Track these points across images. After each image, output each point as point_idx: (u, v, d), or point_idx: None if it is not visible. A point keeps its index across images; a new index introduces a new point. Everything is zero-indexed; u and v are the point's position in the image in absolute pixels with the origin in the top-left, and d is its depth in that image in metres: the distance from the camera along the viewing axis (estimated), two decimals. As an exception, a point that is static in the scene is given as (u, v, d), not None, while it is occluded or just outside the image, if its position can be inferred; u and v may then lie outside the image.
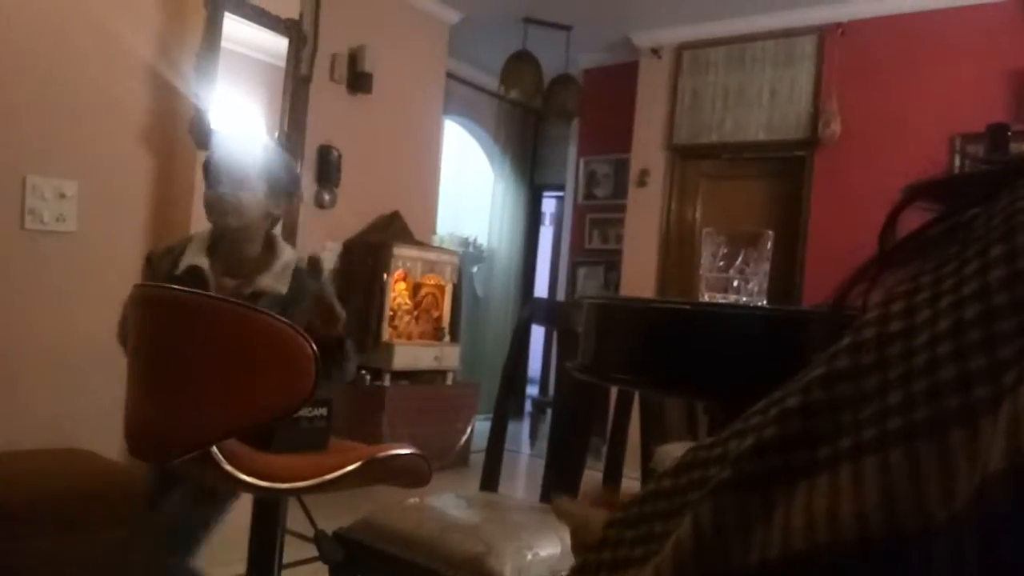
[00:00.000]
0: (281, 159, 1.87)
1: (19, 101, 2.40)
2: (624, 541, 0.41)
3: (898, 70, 4.24)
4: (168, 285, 1.42)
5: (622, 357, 1.42)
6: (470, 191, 7.21)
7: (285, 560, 1.70)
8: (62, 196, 2.50)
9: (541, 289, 7.13)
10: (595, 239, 5.66)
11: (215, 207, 1.75)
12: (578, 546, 0.66)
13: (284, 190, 1.83)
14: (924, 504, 0.25)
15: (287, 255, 1.81)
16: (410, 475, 1.60)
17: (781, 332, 1.19)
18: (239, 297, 1.71)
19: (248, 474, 1.30)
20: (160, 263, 1.83)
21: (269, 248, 1.83)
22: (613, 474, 2.43)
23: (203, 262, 1.76)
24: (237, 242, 1.80)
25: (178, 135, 2.71)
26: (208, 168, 1.80)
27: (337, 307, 1.77)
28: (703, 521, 0.32)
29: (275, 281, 1.74)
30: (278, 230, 1.95)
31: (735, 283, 1.22)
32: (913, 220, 0.39)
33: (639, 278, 5.00)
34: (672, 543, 0.33)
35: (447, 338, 4.77)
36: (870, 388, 0.29)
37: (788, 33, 4.51)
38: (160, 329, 1.38)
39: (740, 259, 1.22)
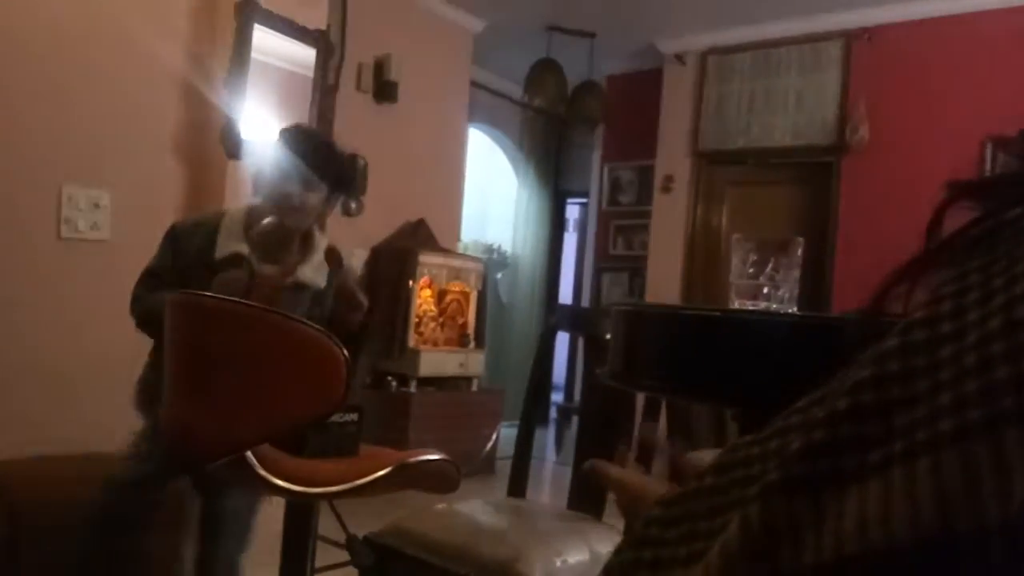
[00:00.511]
0: (348, 161, 1.87)
1: (54, 114, 2.46)
2: (668, 541, 0.41)
3: (927, 74, 4.19)
4: (203, 293, 1.44)
5: (651, 364, 1.42)
6: (494, 198, 7.23)
7: (317, 564, 1.72)
8: (96, 206, 2.56)
9: (565, 296, 7.12)
10: (619, 245, 5.66)
11: (282, 204, 1.72)
12: (628, 508, 0.67)
13: (344, 191, 1.87)
14: (979, 505, 0.25)
15: (323, 246, 1.82)
16: (439, 480, 1.61)
17: (812, 339, 1.19)
18: (281, 287, 1.72)
19: (282, 478, 1.32)
20: (190, 239, 1.78)
21: (306, 237, 1.82)
22: (641, 480, 2.42)
23: (243, 248, 1.73)
24: (287, 236, 1.78)
25: (209, 145, 2.76)
26: (280, 164, 1.75)
27: (359, 295, 1.73)
28: (752, 523, 0.31)
29: (315, 273, 1.76)
30: None
31: (765, 290, 1.22)
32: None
33: (664, 284, 4.99)
34: (720, 544, 0.33)
35: (472, 344, 4.78)
36: (921, 390, 0.29)
37: (814, 38, 4.48)
38: (197, 336, 1.40)
39: (770, 266, 1.22)
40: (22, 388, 2.40)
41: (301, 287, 1.75)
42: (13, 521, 1.97)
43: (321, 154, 1.77)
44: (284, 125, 1.92)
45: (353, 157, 1.93)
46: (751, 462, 0.37)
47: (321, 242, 1.82)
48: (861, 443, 0.29)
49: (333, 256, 1.79)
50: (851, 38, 4.37)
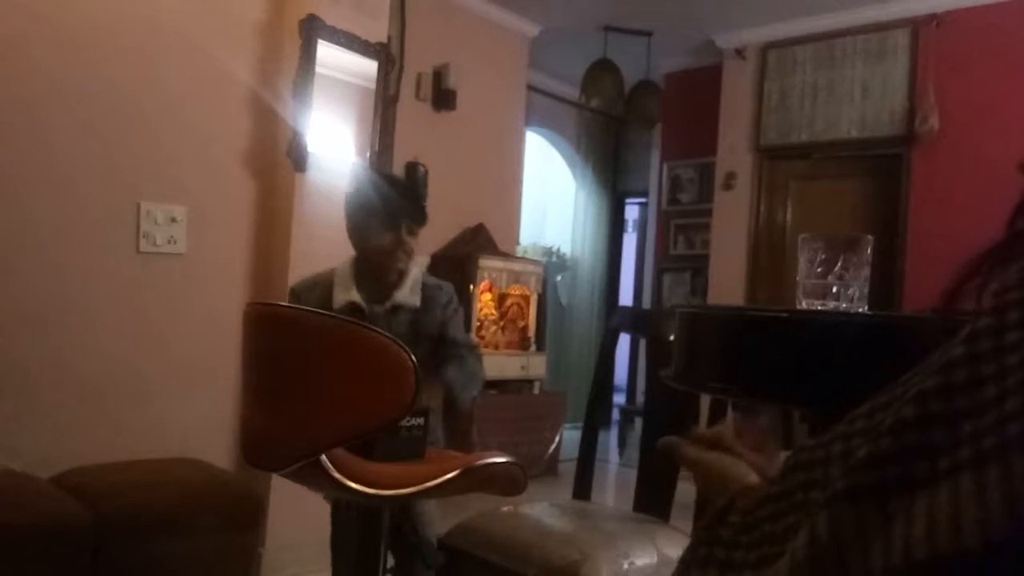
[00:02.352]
0: (411, 187, 2.04)
1: (131, 132, 2.58)
2: (739, 544, 0.42)
3: (999, 61, 4.03)
4: (277, 303, 1.50)
5: (717, 365, 1.41)
6: (552, 201, 7.23)
7: (387, 565, 1.76)
8: (173, 220, 2.67)
9: (625, 297, 7.07)
10: (680, 245, 5.59)
11: (389, 256, 1.92)
12: (705, 488, 0.67)
13: (422, 219, 1.99)
14: None
15: (415, 271, 1.99)
16: (506, 483, 1.63)
17: (882, 338, 1.16)
18: (382, 314, 1.91)
19: (355, 481, 1.36)
20: (309, 295, 1.98)
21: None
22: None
23: (356, 296, 1.94)
24: (385, 274, 1.96)
25: (277, 158, 2.85)
26: (365, 223, 1.94)
27: (469, 439, 1.91)
28: (820, 532, 0.32)
29: (409, 295, 1.94)
30: None
31: (834, 289, 1.20)
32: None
33: (727, 284, 4.91)
34: (789, 554, 0.34)
35: (533, 347, 4.80)
36: (988, 398, 0.29)
37: (879, 27, 4.35)
38: (272, 344, 1.46)
39: (839, 264, 1.19)
40: (104, 396, 2.52)
41: (397, 307, 1.93)
42: (98, 525, 2.06)
43: (393, 199, 1.94)
44: (351, 178, 2.11)
45: (413, 167, 2.05)
46: (813, 465, 0.38)
47: (412, 267, 1.99)
48: (928, 451, 0.30)
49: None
50: (918, 25, 4.24)
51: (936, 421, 0.30)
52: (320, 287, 1.99)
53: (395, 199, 1.93)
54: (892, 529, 0.29)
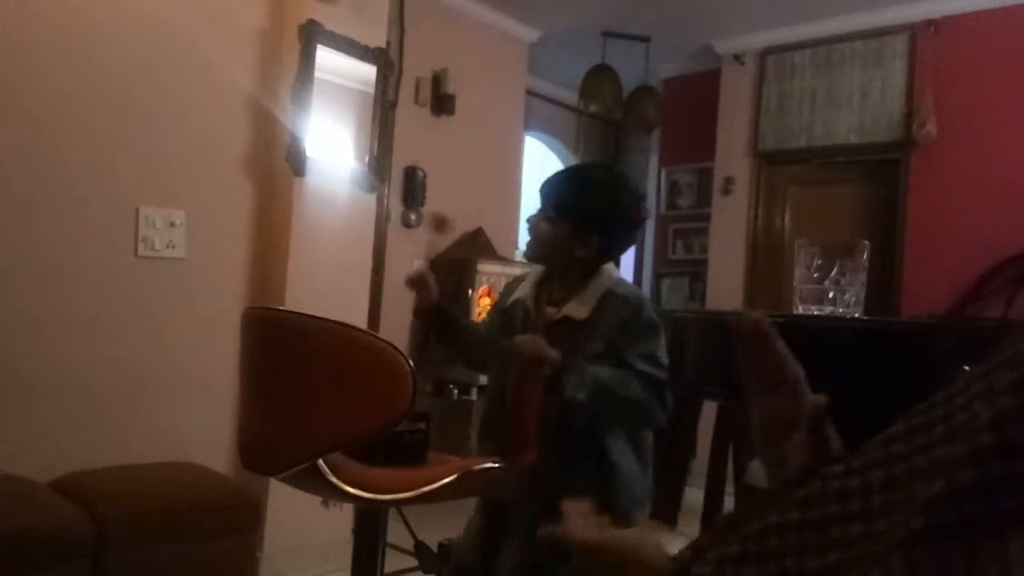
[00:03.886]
0: (603, 196, 1.77)
1: (131, 137, 2.58)
2: None
3: (997, 66, 4.04)
4: (275, 307, 1.50)
5: (713, 371, 1.42)
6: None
7: (386, 570, 1.76)
8: (172, 225, 2.67)
9: (625, 301, 7.06)
10: (679, 250, 5.60)
11: (528, 231, 1.82)
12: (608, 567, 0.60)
13: (597, 230, 1.73)
14: None
15: (601, 282, 1.75)
16: (503, 487, 1.63)
17: (880, 344, 1.17)
18: (547, 323, 1.74)
19: (352, 486, 1.36)
20: (506, 291, 1.96)
21: (591, 276, 1.77)
22: (716, 488, 2.40)
23: (526, 294, 1.84)
24: (551, 270, 1.84)
25: (276, 163, 2.85)
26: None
27: (543, 355, 1.61)
28: None
29: (578, 306, 1.73)
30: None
31: (831, 294, 1.21)
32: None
33: (726, 288, 4.92)
34: None
35: (532, 352, 4.79)
36: None
37: (877, 33, 4.36)
38: (269, 349, 1.46)
39: (836, 270, 1.20)
40: (102, 400, 2.52)
41: (565, 320, 1.73)
42: (96, 529, 2.06)
43: (559, 181, 1.80)
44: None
45: (614, 190, 1.79)
46: (848, 496, 0.34)
47: (602, 278, 1.76)
48: (1016, 481, 0.27)
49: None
50: (916, 31, 4.25)
51: (1022, 447, 0.27)
52: (516, 283, 1.96)
53: (558, 188, 1.82)
54: (982, 570, 0.26)
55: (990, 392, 0.30)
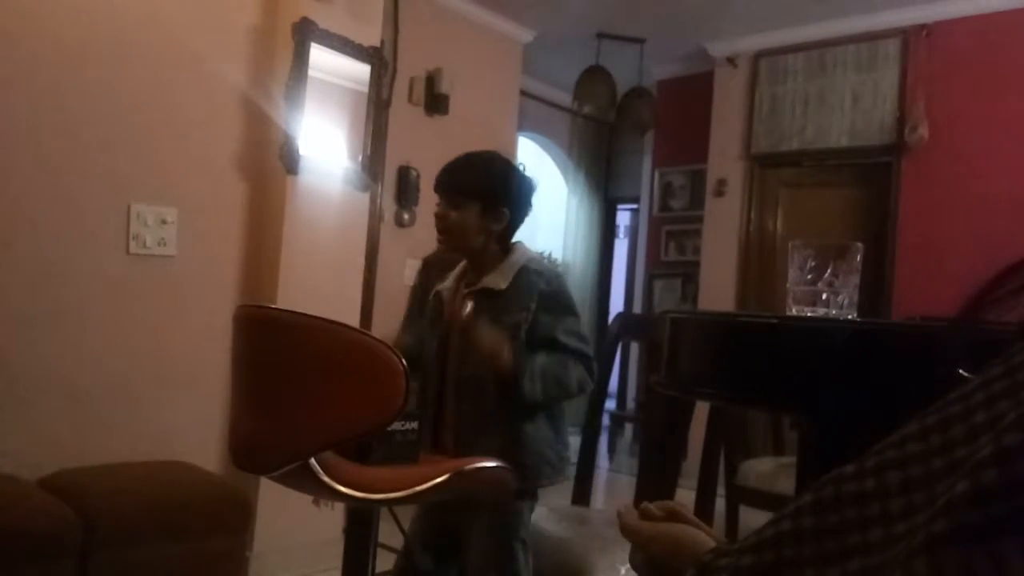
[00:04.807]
0: (503, 172, 1.86)
1: (123, 134, 2.57)
2: None
3: (988, 71, 4.06)
4: (267, 305, 1.49)
5: (706, 371, 1.42)
6: (544, 206, 7.24)
7: (377, 569, 1.75)
8: (163, 222, 2.66)
9: (616, 302, 7.08)
10: (672, 251, 5.61)
11: (436, 225, 1.83)
12: (677, 558, 0.62)
13: (505, 204, 1.82)
14: None
15: (516, 257, 1.83)
16: (496, 487, 1.62)
17: (872, 345, 1.17)
18: (463, 294, 1.81)
19: (344, 485, 1.36)
20: (430, 272, 2.00)
21: (507, 254, 1.85)
22: (707, 488, 2.40)
23: (445, 285, 1.88)
24: (469, 257, 1.86)
25: (269, 161, 2.84)
26: (436, 185, 1.86)
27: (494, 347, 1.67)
28: None
29: (497, 277, 1.79)
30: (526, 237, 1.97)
31: (824, 296, 1.21)
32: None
33: (718, 290, 4.93)
34: None
35: (525, 352, 4.79)
36: None
37: (870, 37, 4.39)
38: (260, 347, 1.45)
39: (829, 272, 1.20)
40: (92, 398, 2.50)
41: (482, 291, 1.79)
42: (85, 527, 2.05)
43: (457, 170, 1.84)
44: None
45: (508, 165, 1.89)
46: (865, 500, 0.33)
47: (517, 254, 1.84)
48: None
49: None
50: (909, 35, 4.27)
51: None
52: (444, 264, 1.97)
53: (464, 173, 1.89)
54: (1008, 574, 0.26)
55: (1014, 390, 0.29)
